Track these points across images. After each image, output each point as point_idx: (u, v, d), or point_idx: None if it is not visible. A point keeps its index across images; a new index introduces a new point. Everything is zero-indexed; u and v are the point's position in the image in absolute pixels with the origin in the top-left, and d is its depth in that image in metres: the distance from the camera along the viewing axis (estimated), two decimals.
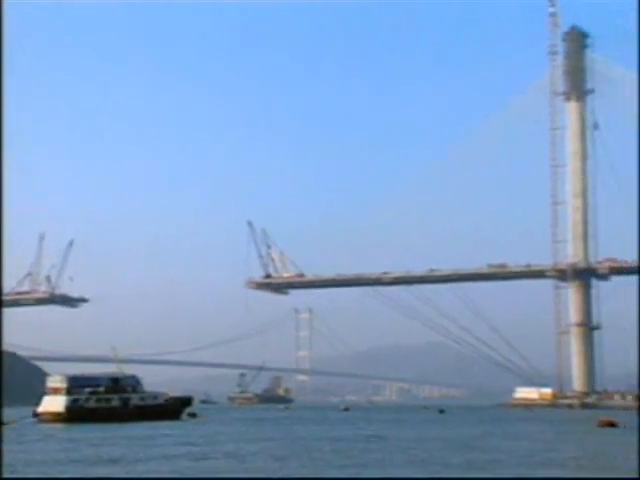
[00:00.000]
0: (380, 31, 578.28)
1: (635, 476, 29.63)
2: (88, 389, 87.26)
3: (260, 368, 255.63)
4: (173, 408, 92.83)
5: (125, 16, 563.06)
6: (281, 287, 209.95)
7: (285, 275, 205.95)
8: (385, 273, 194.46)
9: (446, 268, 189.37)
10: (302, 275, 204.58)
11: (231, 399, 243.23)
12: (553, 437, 64.56)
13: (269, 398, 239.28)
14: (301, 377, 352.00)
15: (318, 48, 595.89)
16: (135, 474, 36.15)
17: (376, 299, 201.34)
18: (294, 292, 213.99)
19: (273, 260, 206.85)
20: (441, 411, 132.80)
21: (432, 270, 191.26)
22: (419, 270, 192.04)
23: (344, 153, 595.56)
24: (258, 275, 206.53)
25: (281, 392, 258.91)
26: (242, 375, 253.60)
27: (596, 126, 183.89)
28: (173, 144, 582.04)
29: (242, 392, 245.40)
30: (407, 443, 54.54)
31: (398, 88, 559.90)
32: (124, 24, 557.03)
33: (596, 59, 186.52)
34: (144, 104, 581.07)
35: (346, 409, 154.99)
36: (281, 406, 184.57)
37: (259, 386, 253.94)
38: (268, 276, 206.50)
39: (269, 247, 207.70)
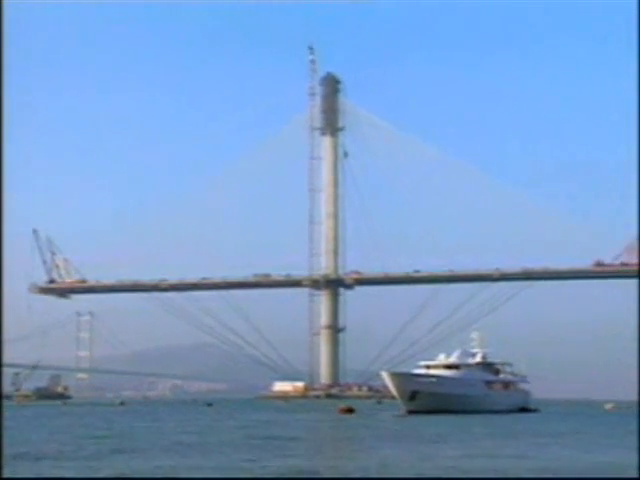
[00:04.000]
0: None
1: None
2: None
3: (34, 367, 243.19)
4: None
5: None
6: (64, 292, 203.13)
7: (68, 281, 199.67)
8: (162, 280, 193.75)
9: (217, 276, 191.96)
10: (84, 281, 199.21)
11: (8, 397, 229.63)
12: (307, 423, 68.22)
13: (47, 395, 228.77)
14: (80, 375, 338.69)
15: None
16: None
17: (153, 303, 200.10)
18: (78, 296, 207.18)
19: (58, 266, 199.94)
20: (209, 404, 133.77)
21: (204, 278, 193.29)
22: (193, 277, 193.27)
23: (129, 158, 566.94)
24: (42, 280, 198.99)
25: (60, 390, 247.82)
26: (16, 374, 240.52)
27: (346, 154, 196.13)
28: None
29: (17, 390, 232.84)
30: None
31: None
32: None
33: (346, 102, 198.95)
34: None
35: (122, 403, 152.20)
36: (59, 402, 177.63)
37: (35, 384, 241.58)
38: (52, 281, 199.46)
39: (54, 254, 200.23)
